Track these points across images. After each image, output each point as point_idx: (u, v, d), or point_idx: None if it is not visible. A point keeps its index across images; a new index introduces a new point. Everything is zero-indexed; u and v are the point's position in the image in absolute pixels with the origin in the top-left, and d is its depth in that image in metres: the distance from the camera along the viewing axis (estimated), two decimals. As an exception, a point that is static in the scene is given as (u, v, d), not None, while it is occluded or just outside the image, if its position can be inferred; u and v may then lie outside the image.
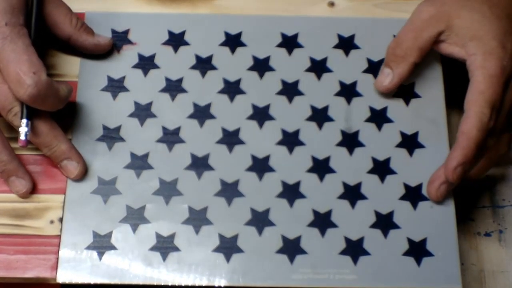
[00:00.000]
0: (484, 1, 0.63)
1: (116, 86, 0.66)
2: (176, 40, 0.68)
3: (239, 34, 0.68)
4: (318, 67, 0.67)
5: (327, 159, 0.63)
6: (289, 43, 0.67)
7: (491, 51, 0.61)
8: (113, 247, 0.61)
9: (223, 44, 0.68)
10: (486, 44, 0.61)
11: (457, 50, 0.63)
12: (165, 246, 0.61)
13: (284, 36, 0.68)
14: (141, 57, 0.67)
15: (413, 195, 0.62)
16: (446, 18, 0.63)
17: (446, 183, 0.61)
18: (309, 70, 0.67)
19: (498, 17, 0.62)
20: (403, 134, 0.64)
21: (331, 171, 0.63)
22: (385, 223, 0.62)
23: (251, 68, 0.67)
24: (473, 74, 0.61)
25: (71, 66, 0.66)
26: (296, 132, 0.64)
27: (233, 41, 0.68)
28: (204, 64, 0.67)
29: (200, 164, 0.63)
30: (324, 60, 0.67)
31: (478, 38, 0.61)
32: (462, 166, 0.60)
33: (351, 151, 0.64)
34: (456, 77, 0.64)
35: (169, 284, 0.60)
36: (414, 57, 0.63)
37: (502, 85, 0.61)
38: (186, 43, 0.68)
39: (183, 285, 0.60)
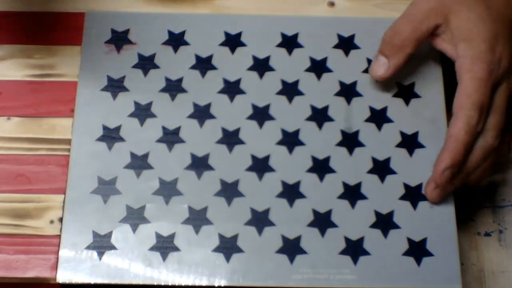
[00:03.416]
0: (482, 0, 0.63)
1: (116, 86, 0.66)
2: (176, 40, 0.68)
3: (239, 34, 0.68)
4: (318, 67, 0.67)
5: (327, 159, 0.63)
6: (289, 43, 0.67)
7: (479, 55, 0.61)
8: (113, 247, 0.61)
9: (223, 44, 0.68)
10: (476, 47, 0.61)
11: (450, 48, 0.63)
12: (165, 246, 0.61)
13: (284, 36, 0.68)
14: (141, 57, 0.67)
15: (413, 195, 0.62)
16: (445, 12, 0.62)
17: (450, 168, 0.61)
18: (309, 70, 0.67)
19: (492, 19, 0.62)
20: (403, 134, 0.64)
21: (331, 171, 0.63)
22: (385, 223, 0.61)
23: (251, 68, 0.67)
24: (461, 78, 0.61)
25: (71, 66, 0.66)
26: (296, 132, 0.64)
27: (233, 41, 0.68)
28: (204, 64, 0.67)
29: (200, 164, 0.63)
30: (324, 60, 0.67)
31: (469, 40, 0.62)
32: (451, 169, 0.60)
33: (351, 151, 0.64)
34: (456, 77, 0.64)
35: (169, 284, 0.60)
36: (411, 48, 0.63)
37: (490, 88, 0.61)
38: (186, 43, 0.68)
39: (183, 285, 0.60)
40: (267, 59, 0.67)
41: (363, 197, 0.62)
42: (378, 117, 0.65)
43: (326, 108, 0.65)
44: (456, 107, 0.61)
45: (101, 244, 0.61)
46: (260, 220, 0.61)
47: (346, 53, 0.67)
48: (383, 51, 0.64)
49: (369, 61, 0.67)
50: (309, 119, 0.65)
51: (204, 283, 0.60)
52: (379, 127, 0.65)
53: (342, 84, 0.66)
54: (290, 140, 0.64)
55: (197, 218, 0.61)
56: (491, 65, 0.61)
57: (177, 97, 0.65)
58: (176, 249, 0.61)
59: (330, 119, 0.65)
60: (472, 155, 0.61)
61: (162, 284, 0.60)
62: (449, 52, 0.63)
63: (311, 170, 0.63)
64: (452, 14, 0.62)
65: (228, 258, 0.60)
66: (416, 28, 0.63)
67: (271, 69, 0.67)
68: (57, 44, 0.67)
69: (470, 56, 0.61)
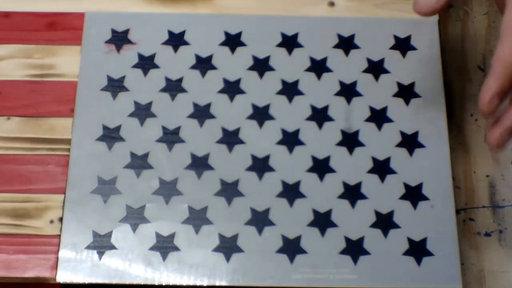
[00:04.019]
0: None
1: (116, 86, 0.66)
2: (176, 40, 0.68)
3: (239, 34, 0.68)
4: (318, 67, 0.67)
5: (327, 159, 0.63)
6: (289, 43, 0.68)
7: None
8: (113, 247, 0.61)
9: (223, 44, 0.68)
10: None
11: None
12: (165, 246, 0.61)
13: (284, 36, 0.68)
14: (141, 57, 0.67)
15: (413, 194, 0.62)
16: None
17: (498, 96, 0.56)
18: (309, 70, 0.67)
19: None
20: (403, 134, 0.64)
21: (331, 170, 0.63)
22: (385, 222, 0.61)
23: (251, 68, 0.67)
24: (509, 0, 0.56)
25: (71, 66, 0.67)
26: (296, 132, 0.64)
27: (233, 41, 0.68)
28: (204, 64, 0.67)
29: (200, 164, 0.63)
30: (324, 60, 0.67)
31: None
32: (498, 96, 0.56)
33: (351, 150, 0.64)
34: (456, 77, 0.64)
35: (169, 284, 0.60)
36: None
37: None
38: (186, 43, 0.68)
39: (183, 285, 0.60)
40: (267, 59, 0.67)
41: (363, 197, 0.62)
42: (378, 117, 0.65)
43: (326, 108, 0.65)
44: (506, 28, 0.56)
45: (101, 244, 0.61)
46: (260, 220, 0.61)
47: (346, 53, 0.67)
48: None
49: (369, 61, 0.67)
50: (309, 119, 0.65)
51: (204, 283, 0.60)
52: (379, 127, 0.65)
53: (342, 84, 0.66)
54: (290, 140, 0.64)
55: (197, 218, 0.61)
56: None
57: (177, 97, 0.65)
58: (176, 249, 0.61)
59: (330, 119, 0.65)
60: None
61: (162, 284, 0.60)
62: None
63: (311, 170, 0.63)
64: None
65: (228, 258, 0.60)
66: None
67: (271, 69, 0.67)
68: (57, 44, 0.67)
69: None
